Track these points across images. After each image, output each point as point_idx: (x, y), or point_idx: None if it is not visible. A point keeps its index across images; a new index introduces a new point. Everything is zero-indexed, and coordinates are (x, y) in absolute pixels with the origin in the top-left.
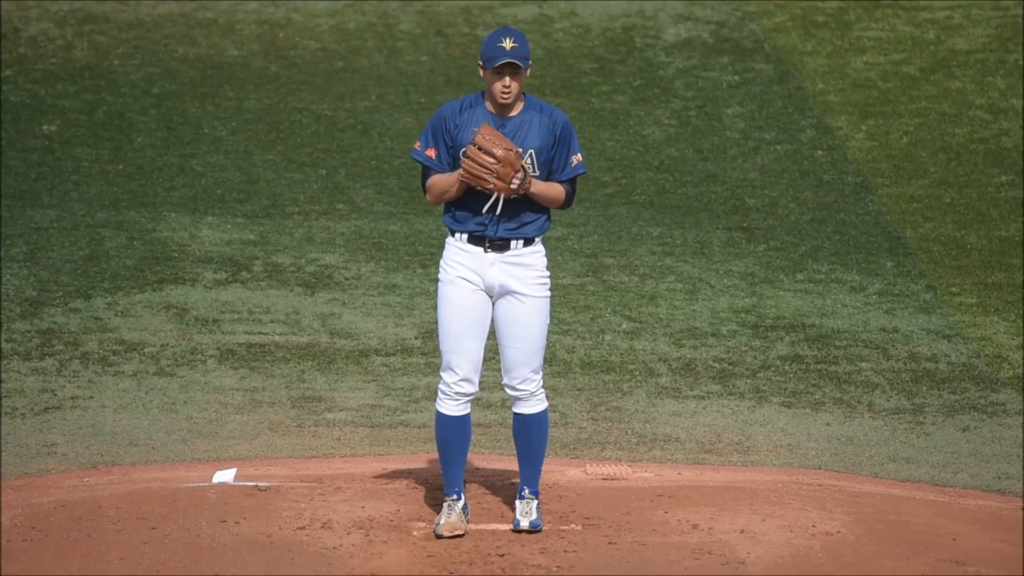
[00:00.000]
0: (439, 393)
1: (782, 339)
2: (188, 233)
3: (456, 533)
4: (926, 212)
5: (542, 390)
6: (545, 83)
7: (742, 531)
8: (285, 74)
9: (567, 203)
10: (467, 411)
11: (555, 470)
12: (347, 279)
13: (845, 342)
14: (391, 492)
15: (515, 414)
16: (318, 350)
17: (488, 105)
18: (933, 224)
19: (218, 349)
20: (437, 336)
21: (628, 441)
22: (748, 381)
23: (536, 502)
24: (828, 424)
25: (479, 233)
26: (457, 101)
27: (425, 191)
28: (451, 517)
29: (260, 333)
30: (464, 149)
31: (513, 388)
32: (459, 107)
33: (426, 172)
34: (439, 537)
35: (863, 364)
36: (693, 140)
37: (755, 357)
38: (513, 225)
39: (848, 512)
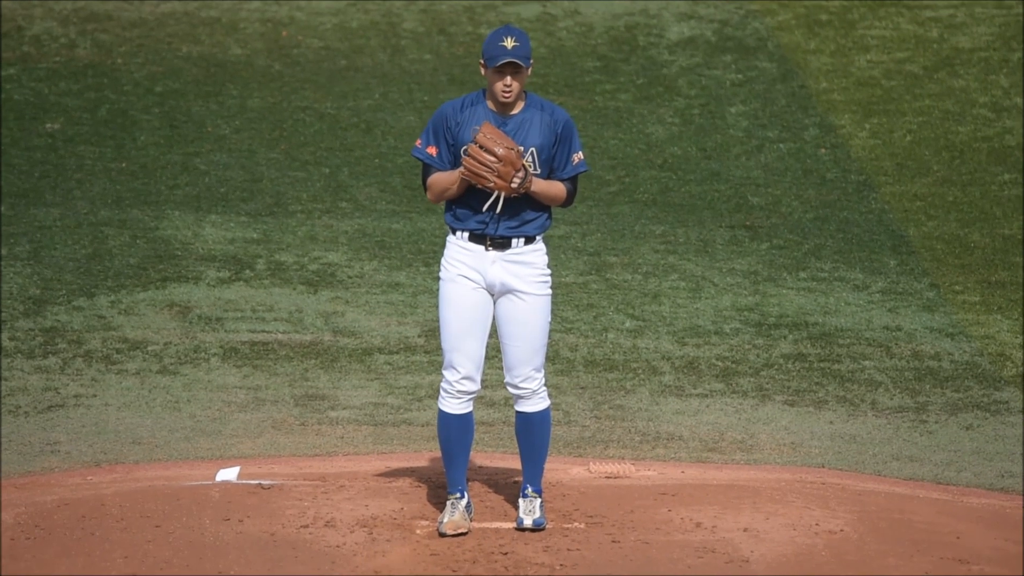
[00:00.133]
0: (441, 391)
1: (785, 337)
2: (191, 231)
3: (459, 531)
4: (929, 210)
5: (544, 388)
6: (548, 81)
7: (745, 529)
8: (288, 72)
9: (568, 201)
10: (469, 409)
11: (558, 468)
12: (350, 277)
13: (848, 340)
14: (394, 490)
15: (517, 412)
16: (321, 348)
17: (489, 103)
18: (936, 222)
19: (221, 347)
20: (439, 334)
21: (631, 439)
22: (751, 379)
23: (539, 500)
24: (831, 422)
25: (480, 231)
26: (458, 99)
27: (426, 189)
28: (454, 515)
29: (263, 331)
30: (465, 147)
31: (515, 386)
32: (460, 105)
33: (427, 170)
34: (442, 535)
35: (866, 362)
36: (696, 138)
37: (758, 355)
38: (514, 223)
39: (851, 510)
